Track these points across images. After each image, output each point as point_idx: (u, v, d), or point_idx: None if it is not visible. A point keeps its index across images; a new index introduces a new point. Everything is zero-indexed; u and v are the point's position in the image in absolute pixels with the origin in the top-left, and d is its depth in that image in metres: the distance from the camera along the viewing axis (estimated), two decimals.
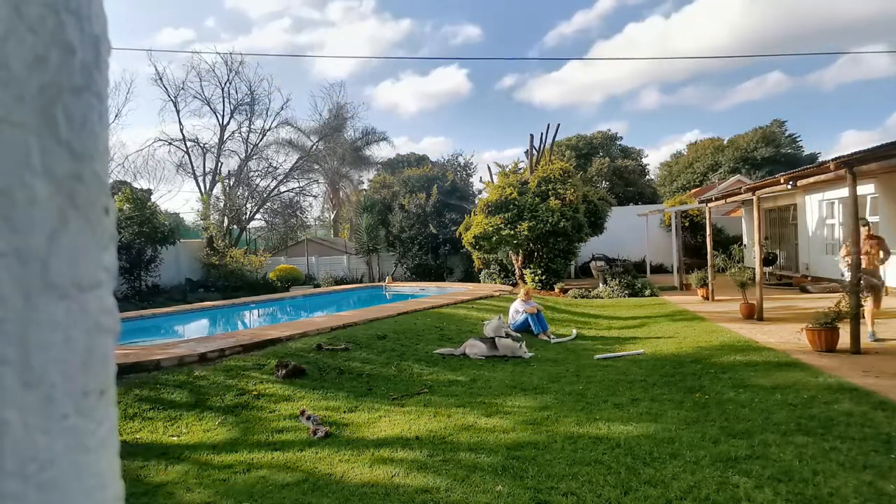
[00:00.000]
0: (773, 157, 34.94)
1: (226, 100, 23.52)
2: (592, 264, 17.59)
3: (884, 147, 6.35)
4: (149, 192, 17.94)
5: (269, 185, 24.19)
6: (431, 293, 13.98)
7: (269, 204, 23.91)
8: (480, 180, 19.19)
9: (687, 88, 65.38)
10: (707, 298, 12.28)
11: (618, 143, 38.65)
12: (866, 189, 11.53)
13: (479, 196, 20.30)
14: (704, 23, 60.42)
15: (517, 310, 9.21)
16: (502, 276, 17.77)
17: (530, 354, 7.44)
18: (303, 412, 4.84)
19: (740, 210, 19.43)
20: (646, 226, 18.37)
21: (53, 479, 0.38)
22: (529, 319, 8.86)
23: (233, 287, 17.70)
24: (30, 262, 0.37)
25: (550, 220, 14.39)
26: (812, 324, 6.74)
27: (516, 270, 16.74)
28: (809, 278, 14.18)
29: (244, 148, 24.24)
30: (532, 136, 16.76)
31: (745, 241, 18.52)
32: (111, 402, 0.44)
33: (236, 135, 24.16)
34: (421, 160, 32.20)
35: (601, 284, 15.37)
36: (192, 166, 23.27)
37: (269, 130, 24.74)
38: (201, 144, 23.44)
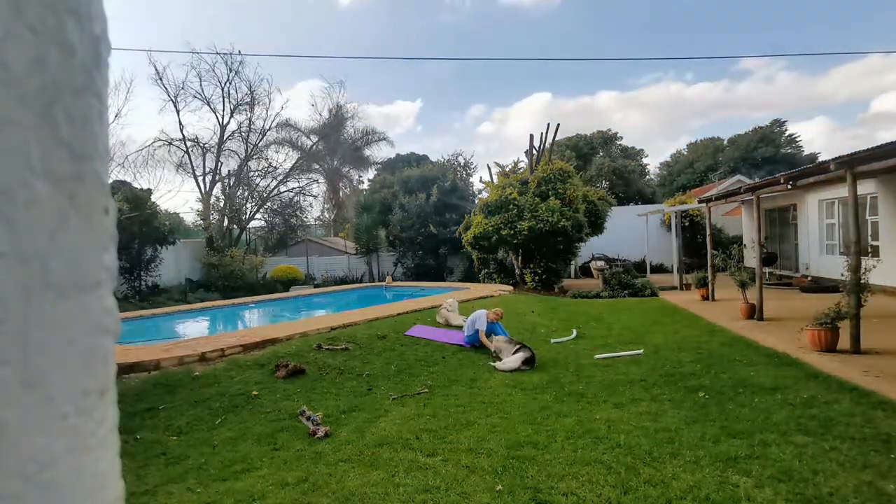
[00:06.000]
0: (773, 157, 34.95)
1: (226, 100, 23.51)
2: (592, 264, 17.61)
3: (884, 147, 6.34)
4: (149, 191, 17.92)
5: (269, 185, 24.19)
6: (431, 293, 13.97)
7: (269, 204, 23.89)
8: (480, 180, 19.18)
9: None
10: (707, 298, 12.27)
11: (618, 142, 38.64)
12: (866, 189, 11.53)
13: (480, 196, 20.30)
14: None
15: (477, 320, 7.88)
16: (502, 276, 17.76)
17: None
18: (303, 412, 4.84)
19: (740, 210, 19.43)
20: (646, 226, 18.37)
21: (53, 479, 0.38)
22: (497, 327, 7.77)
23: (233, 287, 17.70)
24: (30, 262, 0.37)
25: (550, 220, 14.39)
26: (812, 324, 6.74)
27: (516, 270, 16.73)
28: (809, 278, 14.17)
29: (244, 148, 24.22)
30: (532, 135, 16.75)
31: (745, 240, 18.52)
32: (111, 402, 0.44)
33: (236, 135, 24.15)
34: (421, 160, 32.17)
35: (601, 284, 15.37)
36: (192, 166, 23.22)
37: (268, 130, 24.75)
38: (201, 144, 23.40)
